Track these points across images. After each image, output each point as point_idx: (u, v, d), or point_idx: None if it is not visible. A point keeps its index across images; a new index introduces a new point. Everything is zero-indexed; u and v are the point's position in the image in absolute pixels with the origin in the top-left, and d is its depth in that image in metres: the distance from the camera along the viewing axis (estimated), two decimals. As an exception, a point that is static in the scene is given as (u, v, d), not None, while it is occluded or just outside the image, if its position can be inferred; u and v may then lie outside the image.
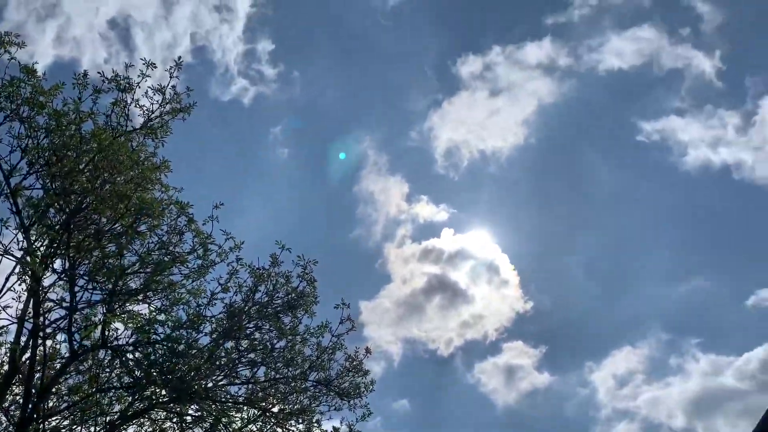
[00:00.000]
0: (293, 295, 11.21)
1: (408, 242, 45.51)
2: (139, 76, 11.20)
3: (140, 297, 10.91)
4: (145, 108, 11.55)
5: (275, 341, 11.36)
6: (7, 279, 10.32)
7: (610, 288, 46.19)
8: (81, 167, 10.45)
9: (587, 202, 47.28)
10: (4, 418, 11.53)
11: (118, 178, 10.51)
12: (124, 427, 11.88)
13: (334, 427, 12.18)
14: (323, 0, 44.40)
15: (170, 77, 11.59)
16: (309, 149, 47.16)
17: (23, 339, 10.44)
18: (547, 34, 45.51)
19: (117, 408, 11.90)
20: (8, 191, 10.05)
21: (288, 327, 11.30)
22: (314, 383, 11.84)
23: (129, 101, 11.18)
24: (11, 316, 10.29)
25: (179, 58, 11.52)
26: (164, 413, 12.10)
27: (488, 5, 45.66)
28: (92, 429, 12.05)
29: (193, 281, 10.82)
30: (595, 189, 46.23)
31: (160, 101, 11.57)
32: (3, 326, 10.60)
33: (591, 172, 46.13)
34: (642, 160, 44.94)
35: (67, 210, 10.29)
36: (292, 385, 11.75)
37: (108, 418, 11.95)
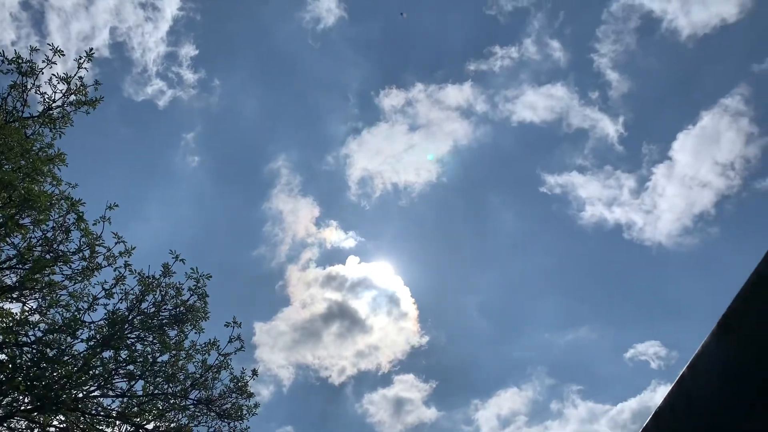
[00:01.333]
0: (182, 308, 10.76)
1: (312, 266, 45.16)
2: (44, 62, 10.62)
3: (14, 295, 10.16)
4: (46, 96, 10.97)
5: (157, 355, 10.83)
6: None
7: (503, 329, 47.63)
8: (-35, 149, 9.71)
9: (489, 244, 48.82)
10: None
11: (5, 165, 9.82)
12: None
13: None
14: (254, 13, 44.09)
15: (78, 68, 11.07)
16: (221, 160, 46.21)
17: None
18: (468, 80, 47.16)
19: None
20: None
21: (173, 341, 10.81)
22: (195, 402, 11.35)
23: (29, 86, 10.57)
24: None
25: (91, 49, 11.04)
26: (25, 422, 11.22)
27: (416, 43, 46.86)
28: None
29: (75, 283, 10.20)
30: (497, 232, 47.85)
31: (63, 91, 11.02)
32: None
33: (495, 215, 47.76)
34: (543, 211, 47.03)
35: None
36: (171, 402, 11.21)
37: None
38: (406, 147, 48.28)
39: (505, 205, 48.77)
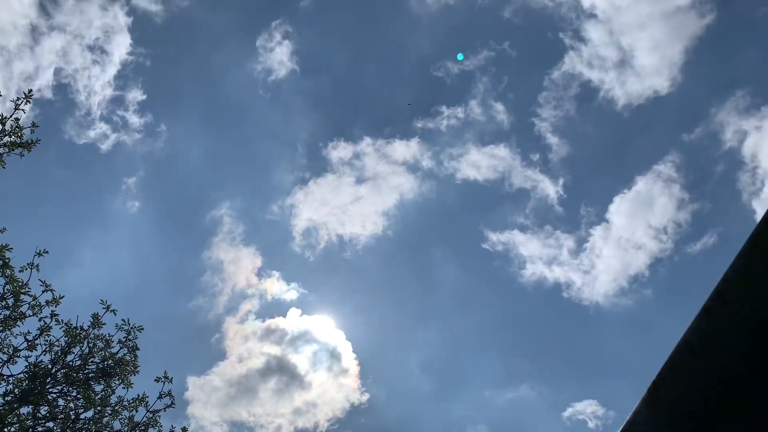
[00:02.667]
0: (110, 361, 10.28)
1: (251, 318, 44.16)
2: (-22, 101, 10.29)
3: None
4: (-22, 136, 10.58)
5: (81, 411, 10.25)
6: None
7: (443, 387, 47.38)
8: None
9: (432, 299, 49.00)
10: None
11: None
12: None
13: None
14: (205, 61, 44.19)
15: (15, 109, 10.75)
16: (162, 206, 45.26)
17: None
18: (416, 136, 48.17)
19: None
20: None
21: (98, 396, 10.27)
22: (119, 463, 10.73)
23: (-40, 125, 10.17)
24: None
25: (30, 90, 10.76)
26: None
27: (366, 98, 47.77)
28: None
29: (-5, 333, 9.64)
30: (440, 287, 48.16)
31: (-3, 132, 10.65)
32: None
33: (438, 271, 48.15)
34: (485, 267, 47.69)
35: None
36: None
37: None
38: (353, 199, 48.49)
39: (448, 260, 49.28)
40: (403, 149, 46.55)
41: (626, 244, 43.82)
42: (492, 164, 45.19)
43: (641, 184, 43.94)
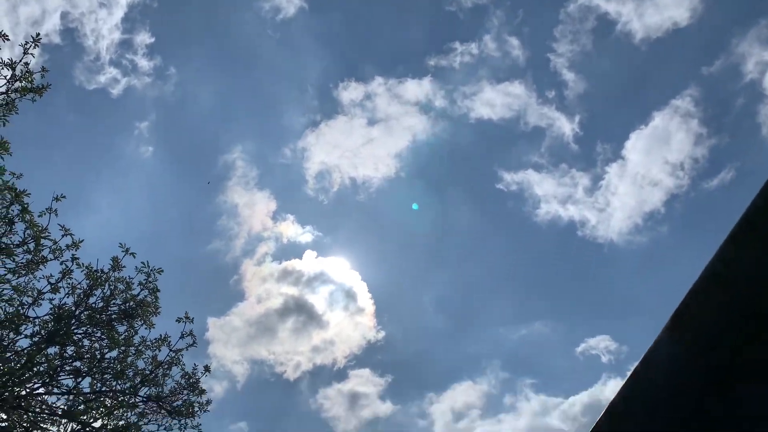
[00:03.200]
0: (132, 303, 10.50)
1: (268, 260, 44.73)
2: (-13, 46, 10.20)
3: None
4: (-11, 82, 10.55)
5: (106, 351, 10.56)
6: None
7: (458, 324, 48.15)
8: None
9: (446, 239, 49.23)
10: None
11: (-55, 154, 9.41)
12: None
13: (159, 447, 11.51)
14: (212, 1, 43.30)
15: (24, 53, 10.66)
16: (175, 150, 45.30)
17: None
18: (428, 74, 47.35)
19: None
20: None
21: (122, 337, 10.55)
22: (144, 399, 11.10)
23: (-30, 71, 10.13)
24: None
25: (38, 34, 10.65)
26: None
27: (376, 37, 46.80)
28: None
29: (19, 277, 9.84)
30: (454, 228, 48.29)
31: (8, 77, 10.60)
32: None
33: (452, 212, 48.18)
34: (499, 207, 47.65)
35: None
36: (120, 399, 10.94)
37: None
38: (365, 141, 48.17)
39: (462, 201, 49.21)
40: (416, 89, 45.87)
41: (642, 181, 43.45)
42: (506, 102, 44.49)
43: (658, 119, 43.18)
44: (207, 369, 11.55)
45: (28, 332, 9.79)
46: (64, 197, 9.71)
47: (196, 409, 11.42)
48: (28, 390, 10.19)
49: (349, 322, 45.47)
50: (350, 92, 46.12)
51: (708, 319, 1.46)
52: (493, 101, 45.00)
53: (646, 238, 44.23)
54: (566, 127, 44.11)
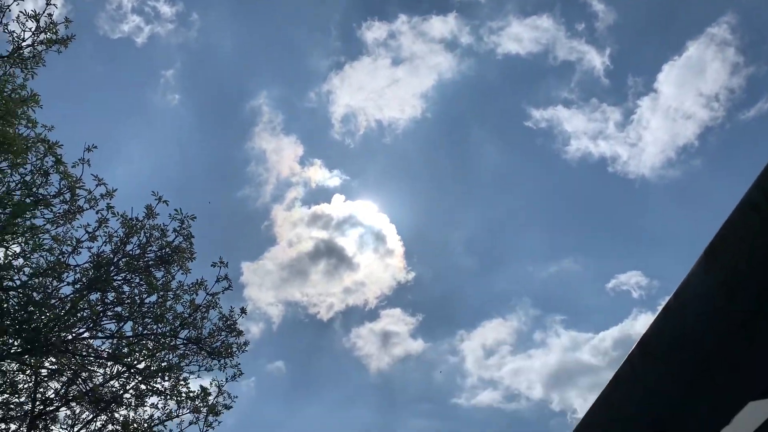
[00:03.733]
0: (168, 249, 10.74)
1: (297, 205, 45.12)
2: (10, -2, 10.18)
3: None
4: (15, 35, 10.57)
5: (145, 296, 10.88)
6: None
7: (487, 263, 48.39)
8: (-67, 91, 9.41)
9: (474, 179, 48.88)
10: None
11: (-23, 108, 9.54)
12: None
13: (201, 386, 11.95)
14: (231, -55, 42.31)
15: (47, 4, 10.63)
16: (201, 98, 45.26)
17: None
18: (453, 10, 45.99)
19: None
20: None
21: (160, 282, 10.84)
22: (184, 341, 11.49)
23: (-4, 24, 10.17)
24: None
25: (59, -17, 10.57)
26: (17, 365, 11.33)
27: (399, -27, 45.43)
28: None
29: (57, 227, 10.10)
30: (482, 167, 47.85)
31: (33, 29, 10.61)
32: None
33: (480, 150, 47.64)
34: (528, 145, 46.89)
35: None
36: (161, 341, 11.34)
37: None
38: (390, 82, 47.42)
39: (489, 139, 48.57)
40: (440, 26, 44.66)
41: (675, 114, 42.18)
42: (534, 36, 43.10)
43: (692, 49, 41.48)
44: (243, 311, 11.87)
45: (69, 280, 10.12)
46: (95, 147, 9.85)
47: (235, 349, 11.80)
48: (73, 335, 10.60)
49: (379, 263, 45.99)
50: (374, 32, 45.17)
51: (744, 251, 1.42)
52: (521, 36, 43.65)
53: (679, 172, 43.28)
54: (596, 60, 42.73)
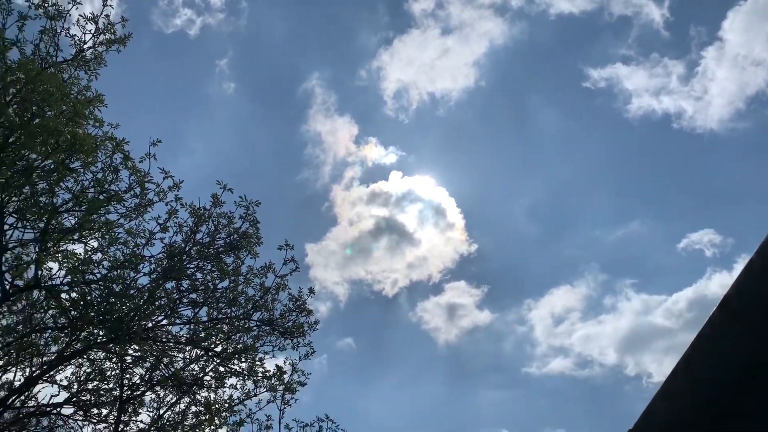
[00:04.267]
0: (235, 235, 11.04)
1: (356, 184, 45.44)
2: (69, 3, 10.57)
3: (75, 236, 10.57)
4: (76, 38, 10.99)
5: (217, 282, 11.25)
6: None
7: (552, 230, 47.55)
8: (7, 100, 9.90)
9: (533, 146, 47.91)
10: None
11: (48, 112, 9.99)
12: (62, 367, 11.71)
13: (277, 366, 12.31)
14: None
15: (104, 6, 10.98)
16: (256, 84, 45.93)
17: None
18: (501, -26, 44.84)
19: (54, 349, 11.70)
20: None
21: (230, 267, 11.17)
22: (258, 323, 11.84)
23: (59, 30, 10.59)
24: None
25: (113, -16, 10.89)
26: (103, 353, 11.96)
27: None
28: (27, 370, 11.84)
29: (130, 221, 10.54)
30: (541, 133, 46.82)
31: (92, 31, 11.01)
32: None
33: (538, 116, 46.59)
34: (587, 107, 45.53)
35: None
36: (235, 324, 11.72)
37: (44, 359, 11.76)
38: (440, 53, 46.77)
39: (547, 104, 47.32)
40: (489, -11, 43.65)
41: (743, 62, 40.01)
42: (587, -7, 41.60)
43: (760, -8, 39.12)
44: (312, 291, 12.12)
45: (146, 270, 10.55)
46: (160, 142, 10.17)
47: (306, 328, 12.08)
48: (153, 322, 11.09)
49: (440, 237, 45.95)
50: (421, 3, 44.64)
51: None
52: (573, -7, 42.21)
53: (749, 123, 41.17)
54: (655, 13, 40.88)
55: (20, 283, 10.44)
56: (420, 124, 47.40)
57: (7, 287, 10.22)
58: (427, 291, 46.17)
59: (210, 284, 11.22)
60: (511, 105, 48.00)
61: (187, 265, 10.80)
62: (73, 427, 12.58)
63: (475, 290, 44.43)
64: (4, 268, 10.15)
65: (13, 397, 11.17)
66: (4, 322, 11.54)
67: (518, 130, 48.03)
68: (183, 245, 10.81)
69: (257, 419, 12.42)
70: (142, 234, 10.55)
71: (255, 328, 11.92)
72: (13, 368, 11.85)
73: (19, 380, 11.72)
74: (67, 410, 12.23)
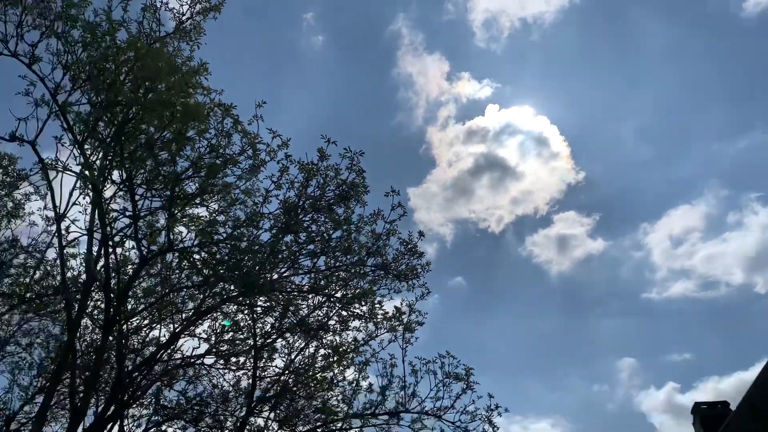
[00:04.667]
0: (344, 186, 11.36)
1: (451, 123, 44.80)
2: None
3: (198, 201, 11.22)
4: (175, 11, 11.42)
5: (331, 232, 11.68)
6: (70, 194, 10.76)
7: (664, 149, 45.18)
8: (122, 78, 10.50)
9: (637, 62, 45.29)
10: (89, 321, 12.43)
11: (160, 86, 10.53)
12: (200, 322, 12.69)
13: (396, 307, 12.77)
14: None
15: (195, -25, 11.29)
16: (343, 33, 45.84)
17: (95, 249, 10.94)
18: None
19: (191, 305, 12.67)
20: (57, 109, 10.20)
21: (342, 218, 11.55)
22: (372, 268, 12.25)
23: (158, 5, 11.04)
24: (81, 228, 10.84)
25: (201, -46, 11.15)
26: (236, 306, 12.83)
27: None
28: (170, 326, 12.92)
29: (246, 181, 11.05)
30: (645, 47, 44.11)
31: (189, 2, 11.39)
32: (75, 238, 11.15)
33: (640, 28, 43.80)
34: (696, 11, 42.27)
35: (115, 122, 10.46)
36: (352, 271, 12.19)
37: (183, 315, 12.77)
38: (528, -27, 44.61)
39: (651, 13, 44.22)
40: None
41: None
42: None
43: None
44: (421, 234, 12.37)
45: (266, 227, 11.09)
46: (265, 103, 10.50)
47: (419, 270, 12.40)
48: (277, 274, 11.73)
49: (544, 169, 44.81)
50: None
51: None
52: None
53: None
54: None
55: (155, 248, 11.28)
56: (513, 52, 45.79)
57: (145, 252, 11.09)
58: (535, 224, 45.51)
59: (325, 235, 11.67)
60: (611, 20, 45.38)
61: (303, 219, 11.26)
62: (215, 376, 13.71)
63: (586, 219, 43.36)
64: (139, 236, 11.00)
65: (161, 352, 12.27)
66: (144, 284, 12.58)
67: (620, 47, 45.38)
68: (296, 200, 11.25)
69: (381, 358, 13.03)
70: (258, 193, 11.06)
71: (370, 273, 12.37)
72: (158, 326, 12.98)
73: (164, 336, 12.84)
74: (209, 360, 13.34)
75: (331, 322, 12.87)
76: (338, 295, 12.45)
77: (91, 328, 12.79)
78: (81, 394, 10.77)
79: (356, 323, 12.93)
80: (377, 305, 12.67)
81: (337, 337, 13.13)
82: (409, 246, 12.32)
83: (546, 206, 42.75)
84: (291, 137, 10.99)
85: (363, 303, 12.54)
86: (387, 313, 12.90)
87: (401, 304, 12.91)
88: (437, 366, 12.48)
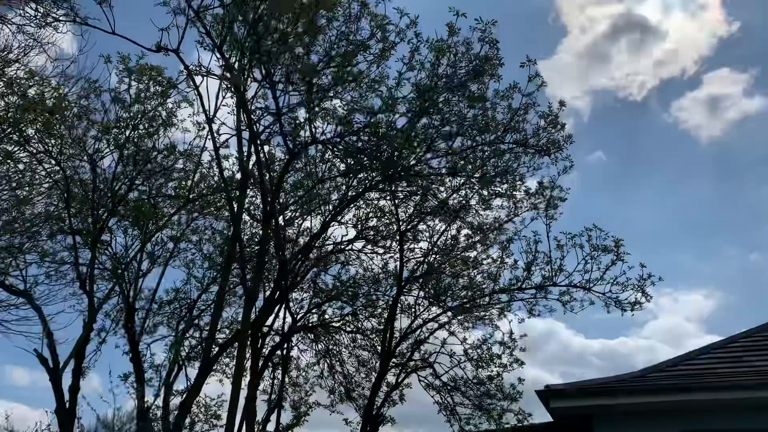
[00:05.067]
0: (477, 61, 11.00)
1: (581, -17, 41.07)
2: None
3: (331, 93, 11.38)
4: None
5: (466, 111, 11.46)
6: (216, 97, 11.32)
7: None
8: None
9: None
10: (247, 216, 13.38)
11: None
12: (346, 210, 13.26)
13: (538, 182, 12.56)
14: None
15: None
16: None
17: (245, 149, 11.57)
18: None
19: (336, 196, 13.21)
20: (193, 14, 10.53)
21: (476, 95, 11.25)
22: (511, 145, 11.99)
23: None
24: (231, 128, 11.49)
25: None
26: (378, 193, 13.22)
27: None
28: (319, 217, 13.62)
29: (378, 66, 11.03)
30: None
31: None
32: (226, 139, 11.83)
33: None
34: None
35: (248, 20, 10.69)
36: (490, 149, 11.99)
37: (330, 206, 13.37)
38: None
39: None
40: None
41: None
42: None
43: None
44: (562, 104, 11.84)
45: (401, 111, 11.06)
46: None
47: (562, 142, 11.95)
48: (415, 159, 11.82)
49: (691, 24, 40.10)
50: None
51: None
52: None
53: None
54: None
55: (299, 141, 11.73)
56: None
57: (291, 147, 11.58)
58: (682, 87, 41.60)
59: (460, 114, 11.48)
60: None
61: (437, 99, 11.09)
62: (364, 261, 14.44)
63: (742, 75, 39.26)
64: (284, 132, 11.47)
65: (314, 240, 13.04)
66: (291, 180, 13.20)
67: None
68: (428, 81, 11.06)
69: (524, 236, 13.02)
70: (391, 77, 11.00)
71: (509, 150, 12.10)
72: (308, 217, 13.73)
73: (315, 226, 13.59)
74: (358, 245, 14.03)
75: (472, 203, 12.96)
76: (477, 175, 12.36)
77: (250, 222, 13.77)
78: (249, 283, 11.79)
79: (497, 201, 12.91)
80: (518, 182, 12.52)
81: (479, 218, 13.24)
82: (550, 118, 11.83)
83: (694, 65, 38.87)
84: (419, 14, 10.68)
85: (504, 181, 12.42)
86: (529, 189, 12.75)
87: (542, 179, 12.67)
88: (584, 239, 12.28)
